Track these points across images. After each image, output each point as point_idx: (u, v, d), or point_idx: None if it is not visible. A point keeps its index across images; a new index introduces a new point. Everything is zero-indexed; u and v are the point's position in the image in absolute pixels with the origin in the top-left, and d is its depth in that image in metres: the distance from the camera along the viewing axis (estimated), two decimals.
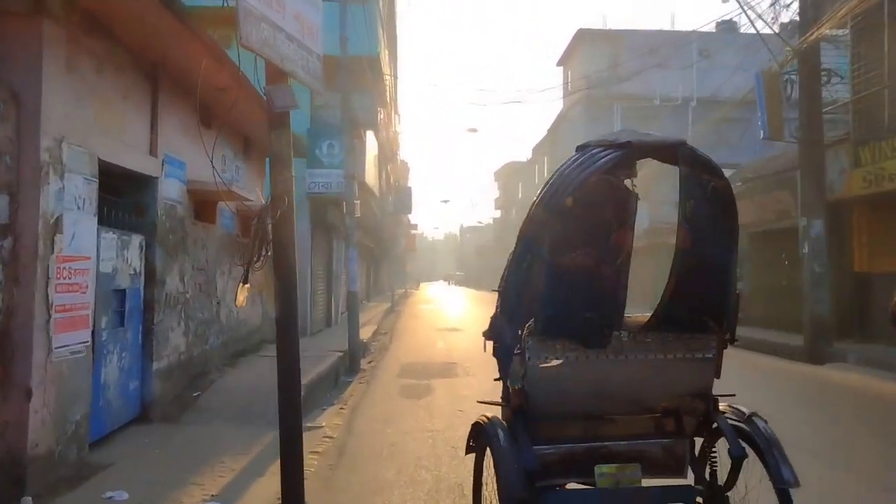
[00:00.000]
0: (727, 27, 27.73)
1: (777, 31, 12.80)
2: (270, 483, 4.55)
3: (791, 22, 15.26)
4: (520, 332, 2.69)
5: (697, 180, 2.69)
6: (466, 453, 3.20)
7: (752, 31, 14.96)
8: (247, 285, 4.02)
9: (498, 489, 2.58)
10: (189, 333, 7.53)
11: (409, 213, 40.34)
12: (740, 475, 2.72)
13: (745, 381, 9.63)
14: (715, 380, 2.89)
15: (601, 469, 2.67)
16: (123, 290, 5.96)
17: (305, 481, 4.49)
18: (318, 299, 15.71)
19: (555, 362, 2.67)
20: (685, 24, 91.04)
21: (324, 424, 6.77)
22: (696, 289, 2.70)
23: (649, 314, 2.83)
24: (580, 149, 2.81)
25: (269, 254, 4.02)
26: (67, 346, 4.76)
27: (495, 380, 2.93)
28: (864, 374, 10.03)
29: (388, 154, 28.76)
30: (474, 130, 52.48)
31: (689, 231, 2.66)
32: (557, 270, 2.62)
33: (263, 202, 4.40)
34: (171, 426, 6.28)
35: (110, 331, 5.70)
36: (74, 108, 4.97)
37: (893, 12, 11.08)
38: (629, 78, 23.81)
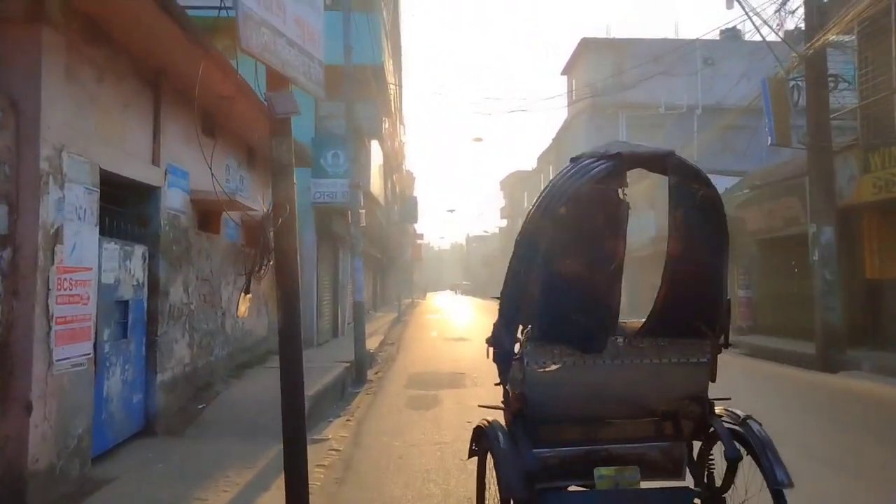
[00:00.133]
0: (731, 35, 27.71)
1: (782, 37, 12.72)
2: (275, 498, 4.44)
3: (796, 28, 15.20)
4: (518, 337, 2.78)
5: (686, 190, 2.76)
6: (469, 457, 3.26)
7: (757, 38, 14.89)
8: (248, 295, 3.96)
9: (499, 490, 2.65)
10: (194, 345, 7.45)
11: (415, 222, 40.34)
12: (741, 478, 2.75)
13: (757, 389, 9.47)
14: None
15: (600, 471, 2.71)
16: (126, 302, 5.89)
17: (311, 496, 4.38)
18: (324, 309, 15.62)
19: (553, 367, 2.75)
20: (689, 32, 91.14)
21: (330, 437, 6.66)
22: (687, 295, 2.79)
23: (644, 320, 2.91)
24: (574, 160, 2.88)
25: (272, 263, 3.94)
26: (69, 358, 4.68)
27: (496, 384, 2.97)
28: (878, 382, 9.85)
29: (393, 164, 28.75)
30: (479, 140, 52.43)
31: (679, 239, 2.76)
32: (553, 277, 2.71)
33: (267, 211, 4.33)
34: (175, 440, 6.19)
35: (113, 343, 5.62)
36: (75, 117, 4.92)
37: None
38: (633, 86, 23.78)
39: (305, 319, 14.01)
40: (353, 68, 12.10)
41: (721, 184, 21.13)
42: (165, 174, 6.66)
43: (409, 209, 34.87)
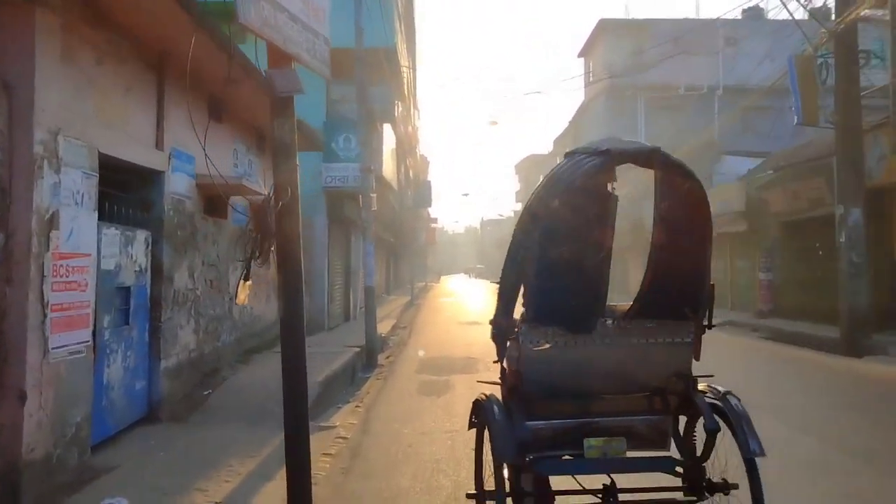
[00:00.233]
0: (753, 13, 26.96)
1: (810, 13, 12.23)
2: (279, 488, 4.29)
3: (824, 5, 14.65)
4: (514, 318, 3.02)
5: (672, 182, 2.94)
6: (469, 428, 3.49)
7: (780, 17, 14.38)
8: (248, 282, 3.75)
9: (493, 458, 2.86)
10: (200, 331, 7.35)
11: (429, 206, 40.11)
12: (722, 450, 2.95)
13: (780, 374, 9.21)
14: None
15: (590, 442, 2.92)
16: (128, 288, 5.77)
17: (316, 486, 4.26)
18: (335, 294, 15.54)
19: (546, 346, 2.96)
20: (710, 11, 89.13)
21: (338, 424, 6.53)
22: (671, 281, 2.99)
23: (631, 303, 3.12)
24: (568, 155, 3.06)
25: (273, 248, 3.75)
26: (66, 346, 4.57)
27: (494, 362, 3.19)
28: None
29: (406, 148, 28.52)
30: (495, 123, 51.85)
31: (664, 230, 2.96)
32: (546, 264, 2.91)
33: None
34: (179, 426, 6.09)
35: (114, 329, 5.51)
36: (72, 100, 4.76)
37: None
38: (653, 66, 23.19)
39: (316, 303, 13.99)
40: (365, 51, 11.86)
41: (743, 165, 20.73)
42: (169, 158, 6.51)
43: (422, 193, 34.65)
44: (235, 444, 5.53)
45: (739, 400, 2.95)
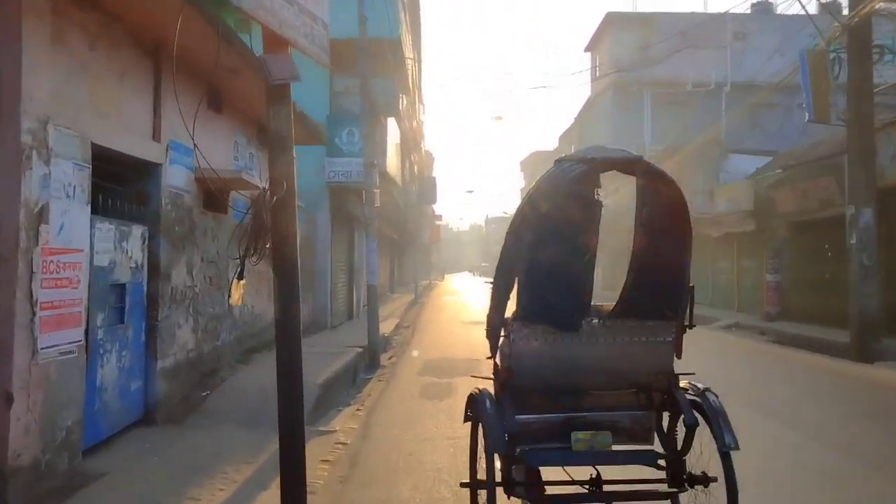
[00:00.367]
0: (762, 8, 26.67)
1: (823, 6, 11.97)
2: (274, 497, 4.07)
3: (834, 1, 14.38)
4: (506, 317, 3.21)
5: (653, 190, 3.12)
6: (464, 422, 3.64)
7: (789, 12, 14.10)
8: (242, 282, 3.56)
9: (485, 448, 3.07)
10: (198, 329, 7.16)
11: (434, 203, 39.90)
12: (704, 444, 3.09)
13: (789, 380, 8.99)
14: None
15: (577, 435, 3.11)
16: (123, 285, 5.58)
17: (313, 496, 4.08)
18: (338, 291, 15.34)
19: (535, 343, 3.16)
20: (718, 5, 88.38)
21: (337, 429, 6.34)
22: (652, 282, 3.20)
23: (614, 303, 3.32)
24: (557, 163, 3.22)
25: (268, 246, 3.56)
26: (56, 346, 4.38)
27: (487, 358, 3.35)
28: None
29: (411, 144, 28.28)
30: (500, 118, 51.68)
31: (645, 234, 3.19)
32: (535, 266, 3.10)
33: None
34: (175, 429, 5.91)
35: (108, 328, 5.32)
36: (63, 87, 4.56)
37: None
38: (660, 61, 22.89)
39: (319, 302, 13.80)
40: (369, 41, 11.63)
41: (750, 164, 20.45)
42: (167, 150, 6.30)
43: (427, 190, 34.44)
44: (232, 448, 5.35)
45: (717, 396, 3.15)
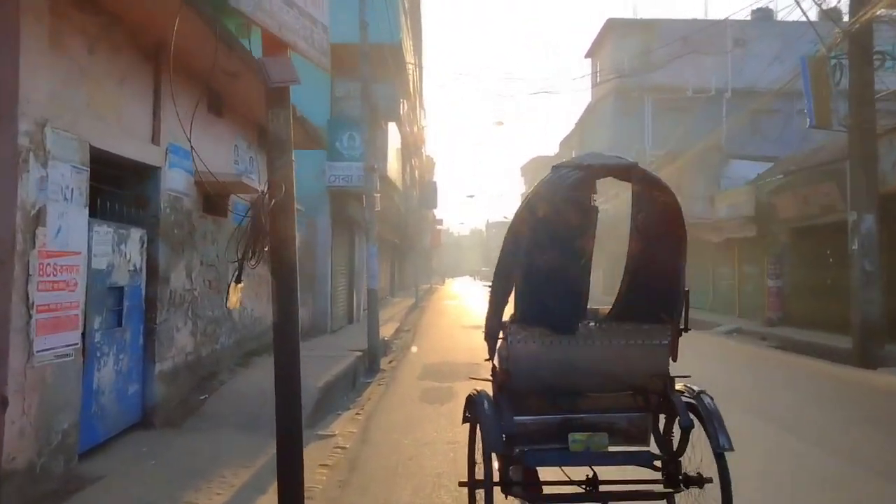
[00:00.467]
0: (763, 14, 26.67)
1: (825, 12, 11.97)
2: (272, 502, 4.08)
3: (837, 5, 14.36)
4: (504, 320, 3.27)
5: (648, 196, 3.16)
6: (462, 423, 3.68)
7: (790, 18, 14.10)
8: (240, 285, 3.54)
9: (483, 448, 3.12)
10: (197, 333, 7.13)
11: (435, 208, 39.94)
12: (700, 446, 3.13)
13: (791, 385, 8.94)
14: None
15: (574, 436, 3.15)
16: (121, 288, 5.55)
17: (311, 500, 4.07)
18: (339, 295, 15.31)
19: (532, 346, 3.20)
20: (719, 11, 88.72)
21: (337, 433, 6.30)
22: (647, 287, 3.24)
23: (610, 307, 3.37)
24: (554, 169, 3.27)
25: (267, 249, 3.53)
26: (52, 349, 4.35)
27: (485, 360, 3.43)
28: None
29: (412, 149, 28.30)
30: (500, 124, 51.78)
31: (639, 240, 3.23)
32: (532, 270, 3.14)
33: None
34: (173, 433, 5.87)
35: (105, 331, 5.29)
36: (61, 90, 4.54)
37: None
38: (661, 67, 22.93)
39: (320, 306, 13.77)
40: (370, 46, 11.62)
41: (751, 169, 20.43)
42: (166, 154, 6.29)
43: (428, 194, 34.46)
44: (230, 452, 5.31)
45: (713, 399, 3.19)
